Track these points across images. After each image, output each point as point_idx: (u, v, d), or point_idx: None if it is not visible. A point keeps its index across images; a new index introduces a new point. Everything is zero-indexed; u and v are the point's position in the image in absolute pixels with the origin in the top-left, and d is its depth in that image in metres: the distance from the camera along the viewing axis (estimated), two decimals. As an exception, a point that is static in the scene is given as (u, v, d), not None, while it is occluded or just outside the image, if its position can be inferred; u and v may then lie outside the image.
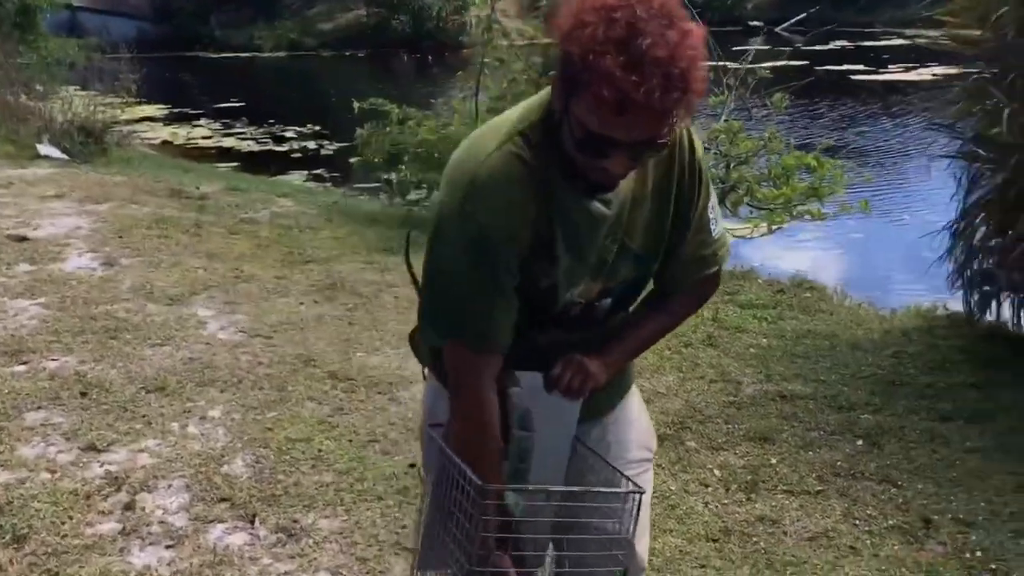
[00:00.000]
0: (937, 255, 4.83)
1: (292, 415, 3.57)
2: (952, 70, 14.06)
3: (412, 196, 7.47)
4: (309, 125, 13.97)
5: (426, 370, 1.80)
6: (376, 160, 7.48)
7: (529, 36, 7.23)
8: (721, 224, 1.64)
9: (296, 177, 10.99)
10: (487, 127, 1.50)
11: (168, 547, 2.72)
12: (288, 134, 13.65)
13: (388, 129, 7.25)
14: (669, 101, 1.26)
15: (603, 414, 1.69)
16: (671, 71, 1.25)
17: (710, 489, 3.18)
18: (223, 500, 2.97)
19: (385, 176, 7.46)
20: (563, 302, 1.55)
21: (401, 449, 3.36)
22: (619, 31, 1.26)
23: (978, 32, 4.31)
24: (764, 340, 4.65)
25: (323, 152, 12.58)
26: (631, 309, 1.68)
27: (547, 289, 1.52)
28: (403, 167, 7.08)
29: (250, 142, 13.37)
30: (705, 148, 6.72)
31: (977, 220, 4.43)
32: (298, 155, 12.53)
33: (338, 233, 6.67)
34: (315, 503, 2.98)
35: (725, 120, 7.01)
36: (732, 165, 6.65)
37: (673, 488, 3.17)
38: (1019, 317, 4.64)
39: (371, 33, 24.74)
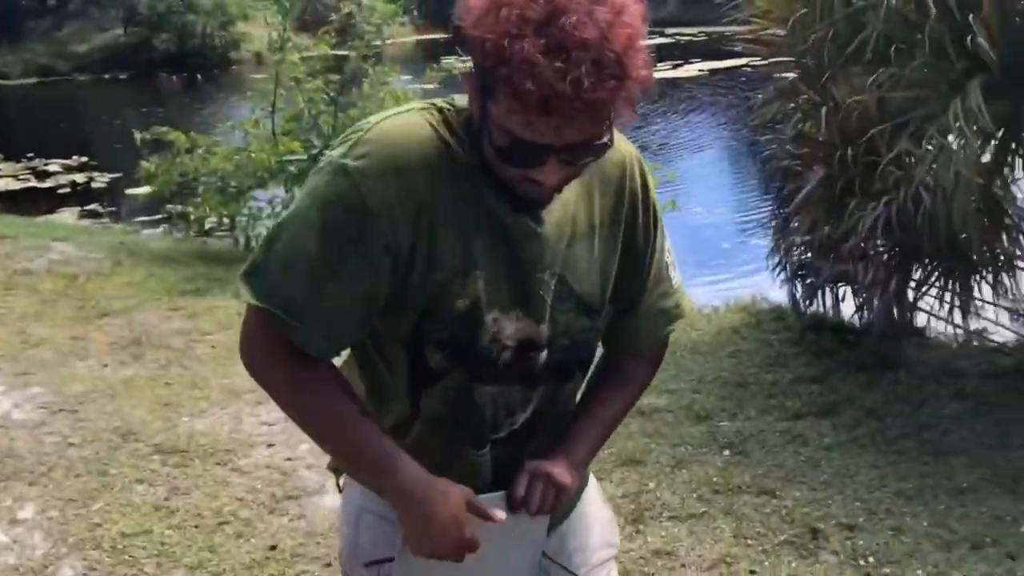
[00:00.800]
0: (741, 248, 4.96)
1: (121, 504, 3.13)
2: (717, 64, 14.88)
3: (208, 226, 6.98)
4: (74, 156, 12.88)
5: (341, 481, 1.46)
6: (166, 193, 6.91)
7: (322, 54, 6.87)
8: (678, 271, 1.42)
9: (68, 215, 10.07)
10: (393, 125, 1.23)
11: None
12: (52, 168, 12.52)
13: (177, 159, 6.69)
14: (603, 91, 1.04)
15: (561, 521, 1.42)
16: (603, 55, 1.03)
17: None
18: (56, 624, 2.52)
19: (178, 209, 6.90)
20: (489, 333, 1.24)
21: (256, 529, 3.00)
22: (538, 10, 1.04)
23: (783, 33, 4.42)
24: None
25: (95, 185, 11.63)
26: (579, 388, 1.41)
27: (467, 312, 1.22)
28: (199, 199, 6.56)
29: (7, 179, 12.15)
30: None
31: (797, 215, 4.55)
32: (66, 190, 11.51)
33: (132, 278, 6.08)
34: (169, 610, 2.59)
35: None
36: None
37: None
38: (838, 307, 4.82)
39: (131, 53, 23.27)
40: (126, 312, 5.26)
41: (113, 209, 10.16)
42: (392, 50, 7.81)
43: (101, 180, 11.62)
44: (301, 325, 1.18)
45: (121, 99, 20.59)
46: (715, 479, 3.32)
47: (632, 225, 1.32)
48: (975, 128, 3.45)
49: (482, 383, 1.27)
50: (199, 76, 21.69)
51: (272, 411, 3.90)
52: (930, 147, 3.80)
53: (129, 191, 9.81)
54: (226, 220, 6.75)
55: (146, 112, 16.12)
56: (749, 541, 2.93)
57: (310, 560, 2.83)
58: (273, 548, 2.87)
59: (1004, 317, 4.40)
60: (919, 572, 2.75)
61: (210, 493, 3.21)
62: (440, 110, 1.22)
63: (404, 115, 1.22)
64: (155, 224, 8.60)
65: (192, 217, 6.58)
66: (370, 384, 1.33)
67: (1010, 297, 4.21)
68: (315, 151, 6.99)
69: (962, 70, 3.49)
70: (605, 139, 1.12)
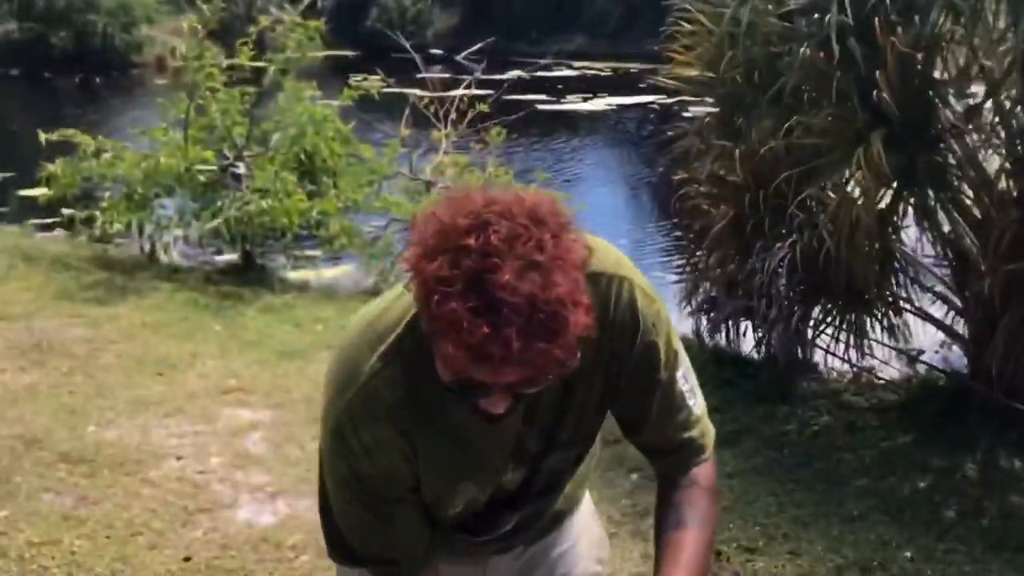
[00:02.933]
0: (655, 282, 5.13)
1: (28, 512, 3.05)
2: (624, 100, 15.25)
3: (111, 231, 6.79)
4: (-39, 156, 12.31)
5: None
6: (67, 196, 6.71)
7: (240, 64, 6.81)
8: (701, 401, 1.39)
9: (-50, 217, 9.62)
10: (360, 331, 1.24)
11: None
12: (-64, 165, 11.94)
13: (84, 163, 6.52)
14: (533, 352, 1.00)
15: (545, 535, 1.49)
16: (534, 316, 0.99)
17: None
18: (-39, 634, 2.45)
19: (82, 214, 6.71)
20: (487, 524, 1.38)
21: (169, 540, 2.97)
22: (468, 265, 1.00)
23: (699, 73, 4.61)
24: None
25: (-15, 184, 11.14)
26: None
27: (464, 510, 1.33)
28: (105, 206, 6.40)
29: None
30: (432, 182, 6.66)
31: (706, 252, 4.74)
32: (-47, 189, 11.00)
33: (30, 283, 5.89)
34: (81, 621, 2.55)
35: (446, 153, 7.04)
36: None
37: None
38: (738, 340, 5.03)
39: (25, 49, 22.41)
40: (25, 317, 5.10)
41: (5, 210, 9.76)
42: (300, 64, 7.79)
43: (-10, 179, 11.15)
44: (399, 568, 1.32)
45: (12, 97, 19.81)
46: (623, 501, 3.44)
47: (625, 360, 1.29)
48: (874, 177, 3.68)
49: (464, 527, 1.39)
50: (98, 79, 21.05)
51: (182, 424, 3.86)
52: (831, 194, 4.03)
53: (23, 192, 9.46)
54: (132, 227, 6.58)
55: (39, 112, 15.58)
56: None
57: (225, 572, 2.82)
58: (187, 560, 2.85)
59: (892, 357, 4.68)
60: (814, 594, 2.92)
61: (121, 504, 3.16)
62: (392, 347, 1.20)
63: (362, 391, 1.20)
64: (50, 228, 8.33)
65: (99, 222, 6.40)
66: None
67: (897, 338, 4.49)
68: (226, 162, 6.92)
69: (864, 122, 3.72)
70: (545, 381, 1.09)
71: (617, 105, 15.14)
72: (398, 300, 1.22)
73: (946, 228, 4.29)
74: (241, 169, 6.93)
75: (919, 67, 3.74)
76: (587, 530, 1.58)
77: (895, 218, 4.26)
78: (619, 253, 1.27)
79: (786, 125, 3.90)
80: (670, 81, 4.76)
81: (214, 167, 6.77)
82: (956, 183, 4.15)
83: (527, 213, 1.03)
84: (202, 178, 6.72)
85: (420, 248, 1.04)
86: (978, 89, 4.06)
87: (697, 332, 5.07)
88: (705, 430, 1.40)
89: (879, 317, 4.38)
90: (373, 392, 1.19)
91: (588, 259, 1.08)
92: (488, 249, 1.00)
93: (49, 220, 8.19)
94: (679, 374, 1.34)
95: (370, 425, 1.20)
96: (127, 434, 3.71)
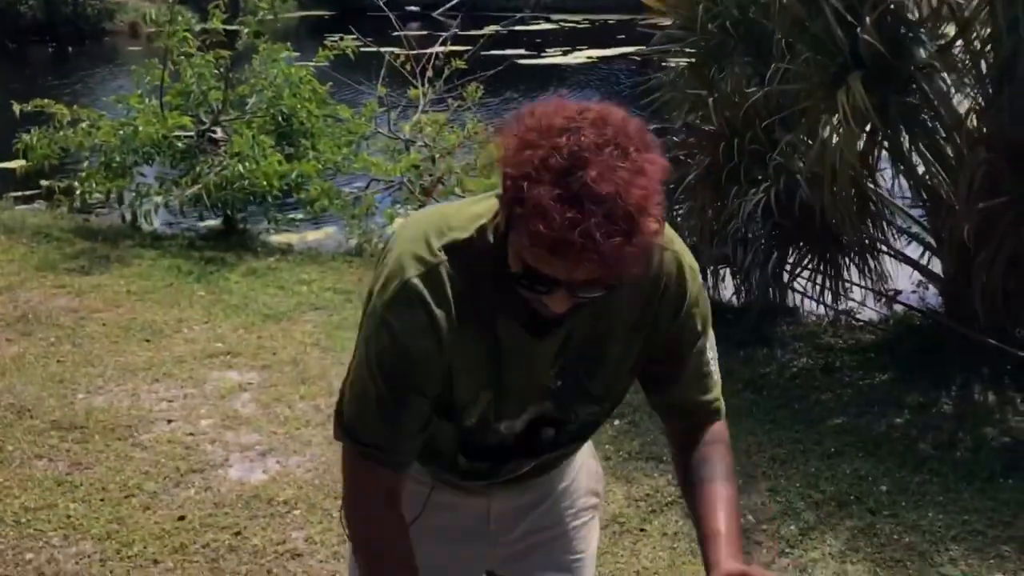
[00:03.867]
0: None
1: (22, 478, 3.11)
2: (604, 52, 15.15)
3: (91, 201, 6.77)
4: (-65, 127, 12.18)
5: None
6: (46, 167, 6.68)
7: (214, 28, 6.75)
8: (717, 370, 1.47)
9: (-73, 188, 9.55)
10: (435, 218, 1.32)
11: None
12: (-91, 138, 11.82)
13: (60, 132, 6.48)
14: (610, 246, 1.08)
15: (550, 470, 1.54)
16: (615, 211, 1.07)
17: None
18: (-37, 597, 2.52)
19: (59, 184, 6.68)
20: (498, 436, 1.41)
21: (163, 501, 3.03)
22: (560, 159, 1.08)
23: (674, 22, 4.63)
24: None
25: (-41, 158, 11.04)
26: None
27: (476, 424, 1.38)
28: (84, 175, 6.38)
29: None
30: (411, 141, 6.66)
31: (683, 201, 4.79)
32: (-75, 162, 10.90)
33: (12, 255, 5.87)
34: (80, 580, 2.61)
35: (424, 111, 7.03)
36: (437, 157, 6.70)
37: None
38: (718, 287, 5.09)
39: (-5, 19, 22.03)
40: (8, 289, 5.11)
41: (-22, 182, 9.70)
42: (276, 26, 7.74)
43: (-34, 153, 11.06)
44: (385, 455, 1.33)
45: (-17, 67, 19.53)
46: (607, 446, 3.51)
47: (668, 328, 1.37)
48: (854, 120, 3.71)
49: (483, 460, 1.44)
50: (70, 48, 20.75)
51: (171, 388, 3.91)
52: (807, 139, 4.07)
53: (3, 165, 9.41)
54: (112, 196, 6.56)
55: (11, 83, 15.38)
56: (639, 503, 3.14)
57: (219, 529, 2.88)
58: (182, 519, 2.91)
59: (869, 298, 4.76)
60: (792, 528, 3.01)
61: (113, 467, 3.22)
62: (462, 245, 1.27)
63: (425, 274, 1.27)
64: (28, 200, 8.29)
65: (77, 192, 6.38)
66: None
67: (873, 279, 4.56)
68: (204, 127, 6.89)
69: (841, 65, 3.75)
70: (614, 283, 1.16)
71: (597, 58, 15.06)
72: (476, 204, 1.31)
73: (920, 170, 4.35)
74: (219, 134, 6.91)
75: (891, 6, 3.76)
76: (584, 464, 1.64)
77: (870, 160, 4.32)
78: (671, 230, 1.33)
79: (762, 73, 3.93)
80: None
81: (192, 133, 6.74)
82: (929, 124, 4.20)
83: (616, 125, 1.12)
84: (180, 144, 6.69)
85: (514, 141, 1.12)
86: (951, 30, 4.09)
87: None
88: (721, 396, 1.50)
89: (855, 259, 4.44)
90: (436, 277, 1.26)
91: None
92: (578, 150, 1.08)
93: (28, 192, 8.16)
94: (709, 343, 1.44)
95: (422, 307, 1.26)
96: (117, 400, 3.76)
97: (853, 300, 4.77)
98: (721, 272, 4.98)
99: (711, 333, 1.45)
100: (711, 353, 1.45)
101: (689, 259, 1.36)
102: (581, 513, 1.62)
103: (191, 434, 3.50)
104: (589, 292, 1.17)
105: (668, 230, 1.31)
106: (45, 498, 2.99)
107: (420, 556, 1.43)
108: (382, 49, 7.56)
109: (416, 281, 1.26)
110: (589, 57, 15.18)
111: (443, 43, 7.42)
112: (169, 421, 3.60)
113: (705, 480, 1.40)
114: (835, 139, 3.94)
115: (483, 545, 1.58)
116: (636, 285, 1.29)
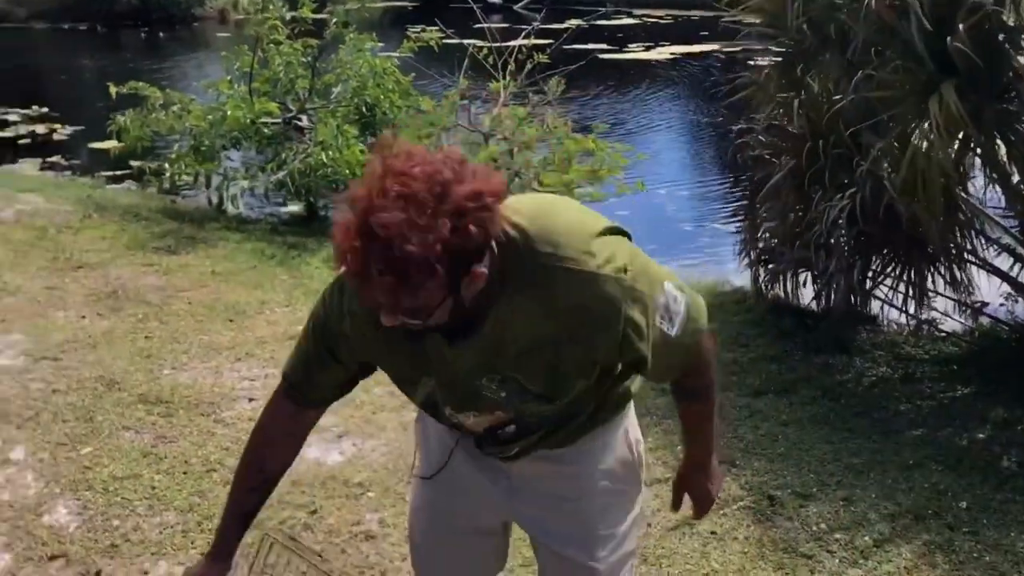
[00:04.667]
0: (701, 231, 5.08)
1: (110, 448, 3.22)
2: (687, 48, 15.00)
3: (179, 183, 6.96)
4: (34, 107, 12.62)
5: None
6: (137, 148, 6.89)
7: (303, 16, 6.89)
8: (683, 309, 1.49)
9: (28, 166, 9.91)
10: None
11: (0, 623, 2.37)
12: (11, 117, 12.28)
13: (153, 115, 6.68)
14: (381, 282, 1.23)
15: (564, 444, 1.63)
16: (390, 254, 1.20)
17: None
18: (55, 557, 2.62)
19: (149, 166, 6.89)
20: (450, 420, 1.57)
21: (243, 476, 3.11)
22: (370, 196, 1.22)
23: (762, 21, 4.56)
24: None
25: (56, 137, 11.43)
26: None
27: (426, 400, 1.56)
28: (174, 157, 6.57)
29: (-37, 127, 11.90)
30: (490, 134, 6.69)
31: (766, 203, 4.73)
32: (26, 141, 11.31)
33: (104, 232, 6.08)
34: (163, 549, 2.70)
35: (505, 104, 7.05)
36: (515, 151, 6.72)
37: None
38: (797, 291, 5.02)
39: (92, 4, 22.74)
40: (100, 266, 5.29)
41: (76, 162, 10.03)
42: (364, 15, 7.84)
43: (63, 132, 11.44)
44: (292, 388, 1.62)
45: (80, 50, 20.18)
46: (679, 448, 3.49)
47: (614, 348, 1.43)
48: (946, 128, 3.62)
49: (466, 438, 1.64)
50: (161, 34, 21.33)
51: (252, 367, 4.01)
52: (896, 144, 3.99)
53: (93, 145, 9.72)
54: (200, 179, 6.75)
55: (107, 66, 15.88)
56: (711, 505, 3.11)
57: (296, 507, 2.95)
58: (260, 495, 2.98)
59: (953, 309, 4.64)
60: (866, 539, 2.96)
61: (196, 442, 3.32)
62: None
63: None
64: (120, 180, 8.55)
65: (167, 174, 6.57)
66: None
67: (959, 290, 4.45)
68: (290, 114, 7.03)
69: (931, 73, 3.66)
70: (419, 312, 1.28)
71: (680, 54, 14.91)
72: None
73: (1016, 179, 4.22)
74: (304, 122, 7.04)
75: (988, 13, 3.66)
76: (615, 451, 1.68)
77: (961, 168, 4.21)
78: (600, 232, 1.41)
79: (849, 77, 3.85)
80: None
81: (278, 120, 6.89)
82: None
83: (436, 183, 1.22)
84: (267, 131, 6.84)
85: (361, 183, 1.26)
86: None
87: (755, 283, 5.08)
88: (692, 328, 1.51)
89: (941, 269, 4.34)
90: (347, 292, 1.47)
91: (553, 248, 1.34)
92: (387, 193, 1.21)
93: (120, 172, 8.43)
94: (658, 319, 1.46)
95: (346, 309, 1.47)
96: (200, 377, 3.87)
97: (936, 310, 4.66)
98: (801, 276, 4.91)
99: (659, 303, 1.46)
100: (664, 324, 1.47)
101: (623, 274, 1.39)
102: (604, 493, 1.66)
103: (271, 414, 3.58)
104: (410, 318, 1.29)
105: (604, 270, 1.37)
106: (132, 468, 3.10)
107: (444, 505, 1.72)
108: (464, 41, 7.60)
109: (342, 283, 1.46)
110: (672, 53, 15.04)
111: (526, 36, 7.42)
112: (250, 399, 3.69)
113: (679, 402, 1.67)
114: (925, 146, 3.86)
115: (504, 497, 1.68)
116: (534, 309, 1.37)
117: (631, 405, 1.72)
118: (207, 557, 1.63)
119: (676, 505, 1.81)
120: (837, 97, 4.01)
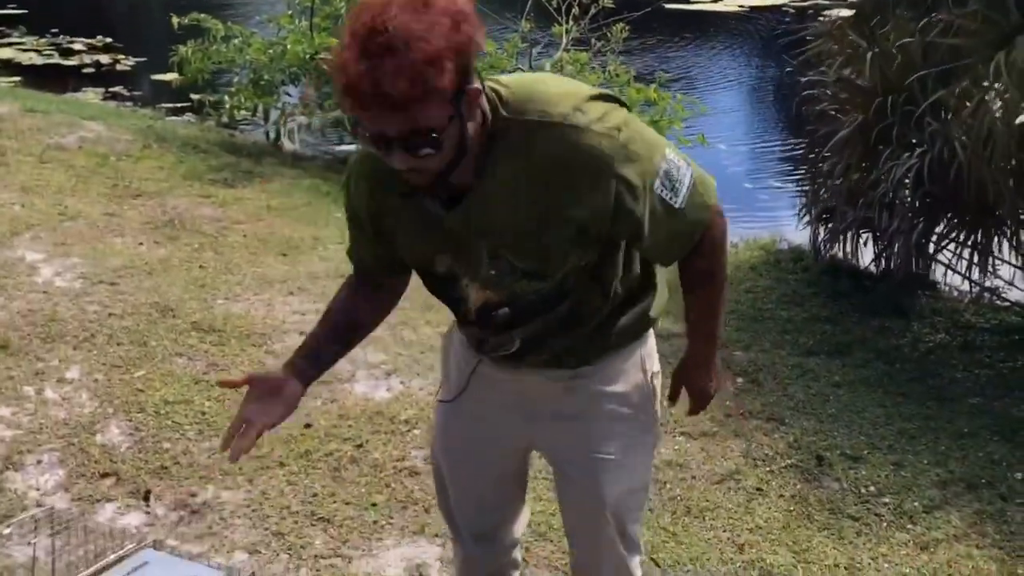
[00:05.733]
0: (761, 188, 4.95)
1: (163, 373, 3.27)
2: (757, 1, 14.62)
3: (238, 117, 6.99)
4: (99, 37, 12.74)
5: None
6: (198, 80, 6.92)
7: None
8: (687, 180, 1.46)
9: (91, 95, 10.03)
10: None
11: (52, 534, 2.43)
12: (76, 46, 12.40)
13: (214, 47, 6.69)
14: (398, 92, 1.22)
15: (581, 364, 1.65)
16: (402, 61, 1.21)
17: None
18: (106, 475, 2.68)
19: (209, 98, 6.91)
20: (462, 293, 1.56)
21: (292, 407, 3.14)
22: (363, 28, 1.24)
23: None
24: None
25: (119, 67, 11.54)
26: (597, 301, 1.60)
27: (447, 273, 1.54)
28: (233, 90, 6.59)
29: (32, 54, 12.06)
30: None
31: (829, 159, 4.61)
32: (90, 70, 11.42)
33: (163, 162, 6.14)
34: (211, 474, 2.75)
35: (567, 50, 6.95)
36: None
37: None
38: (857, 252, 4.91)
39: (156, -65, 22.81)
40: (158, 195, 5.35)
41: (138, 93, 10.13)
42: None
43: (126, 63, 11.54)
44: (352, 259, 1.68)
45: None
46: (727, 403, 3.46)
47: (605, 210, 1.41)
48: (1016, 85, 3.49)
49: (464, 325, 1.65)
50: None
51: (304, 301, 4.04)
52: (967, 102, 3.85)
53: (155, 76, 9.79)
54: (258, 114, 6.77)
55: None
56: (757, 462, 3.09)
57: (342, 440, 2.98)
58: (308, 427, 3.02)
59: (1019, 277, 4.50)
60: (915, 504, 2.91)
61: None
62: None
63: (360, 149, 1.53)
64: (180, 112, 8.62)
65: (227, 107, 6.59)
66: None
67: (1026, 258, 4.31)
68: (350, 52, 6.98)
69: (1015, 24, 3.51)
70: (425, 132, 1.27)
71: (749, 7, 14.52)
72: None
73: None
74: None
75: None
76: (630, 376, 1.67)
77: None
78: (576, 94, 1.41)
79: (924, 31, 3.71)
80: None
81: (337, 57, 6.85)
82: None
83: (416, 3, 1.25)
84: (326, 67, 6.81)
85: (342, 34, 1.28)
86: None
87: (814, 241, 4.98)
88: (699, 202, 1.48)
89: (1008, 235, 4.21)
90: (362, 162, 1.52)
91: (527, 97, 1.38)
92: (381, 12, 1.23)
93: (179, 104, 8.49)
94: (658, 179, 1.43)
95: (360, 177, 1.53)
96: (253, 308, 3.91)
97: (1001, 278, 4.53)
98: (862, 237, 4.80)
99: (660, 167, 1.43)
100: (665, 191, 1.44)
101: (602, 124, 1.37)
102: (612, 418, 1.66)
103: (320, 348, 3.60)
104: (416, 148, 1.29)
105: (592, 114, 1.37)
106: (183, 394, 3.15)
107: (463, 430, 1.76)
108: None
109: (358, 158, 1.54)
110: (741, 5, 14.64)
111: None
112: (301, 333, 3.71)
113: (687, 294, 1.62)
114: (999, 104, 3.72)
115: (520, 420, 1.70)
116: (522, 169, 1.38)
117: (650, 335, 1.71)
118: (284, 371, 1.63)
119: (673, 398, 1.77)
120: (906, 41, 3.85)
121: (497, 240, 1.45)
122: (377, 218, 1.53)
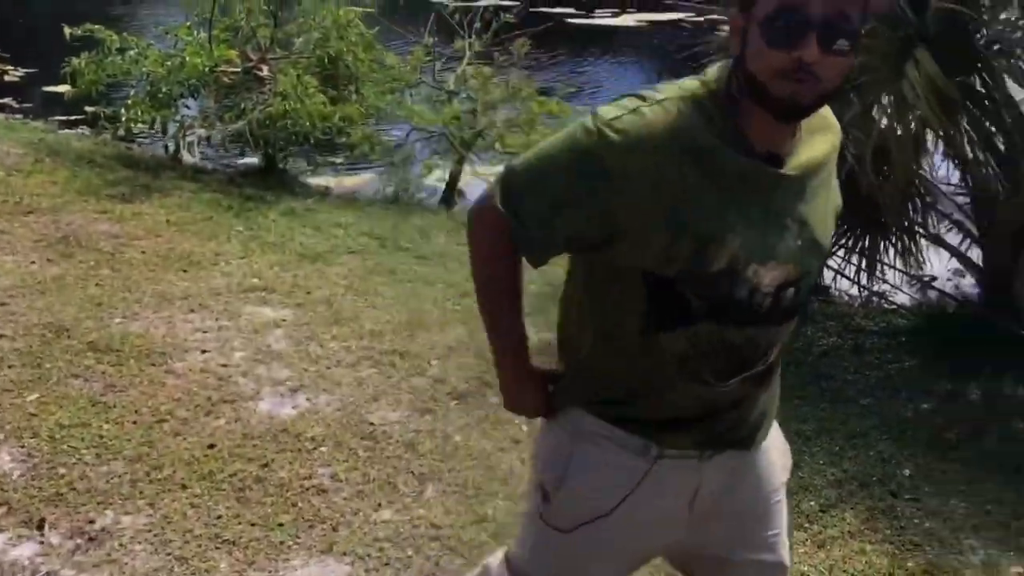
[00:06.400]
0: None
1: (58, 396, 3.17)
2: (655, 16, 14.96)
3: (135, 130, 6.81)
4: (-15, 47, 12.28)
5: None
6: (92, 93, 6.72)
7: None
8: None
9: (-23, 108, 9.66)
10: (659, 87, 1.35)
11: (-61, 568, 2.33)
12: (-38, 57, 11.93)
13: (109, 59, 6.51)
14: None
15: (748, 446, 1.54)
16: None
17: (521, 445, 3.22)
18: (-3, 505, 2.58)
19: (104, 111, 6.72)
20: (749, 284, 1.34)
21: (193, 428, 3.08)
22: None
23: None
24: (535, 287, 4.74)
25: (8, 79, 11.14)
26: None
27: (725, 270, 1.32)
28: (130, 103, 6.42)
29: (-90, 68, 11.54)
30: (455, 92, 6.64)
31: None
32: (-24, 82, 11.01)
33: (56, 177, 5.93)
34: (110, 498, 2.67)
35: (469, 63, 6.99)
36: (479, 110, 6.67)
37: (487, 448, 3.17)
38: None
39: (46, -58, 22.07)
40: (52, 211, 5.17)
41: (28, 105, 9.79)
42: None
43: (15, 74, 11.15)
44: (528, 236, 1.38)
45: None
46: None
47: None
48: (925, 95, 3.63)
49: (740, 326, 1.38)
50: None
51: (206, 319, 3.96)
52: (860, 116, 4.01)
53: (47, 88, 9.47)
54: (156, 127, 6.60)
55: (62, 7, 15.44)
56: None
57: (247, 460, 2.93)
58: (211, 447, 2.97)
59: (905, 282, 4.72)
60: (812, 503, 3.02)
61: (146, 392, 3.27)
62: (703, 94, 1.31)
63: (672, 101, 1.30)
64: (73, 125, 8.36)
65: (123, 120, 6.42)
66: (597, 324, 1.48)
67: (910, 264, 4.52)
68: (250, 64, 6.90)
69: (907, 37, 3.67)
70: (856, 18, 1.23)
71: (648, 21, 14.84)
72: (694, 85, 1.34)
73: (971, 156, 4.27)
74: (264, 72, 6.91)
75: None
76: (775, 439, 1.61)
77: (919, 143, 4.25)
78: None
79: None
80: None
81: (238, 69, 6.75)
82: (989, 106, 4.12)
83: None
84: (226, 79, 6.71)
85: None
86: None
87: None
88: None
89: (895, 242, 4.40)
90: (665, 111, 1.29)
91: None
92: None
93: (73, 117, 8.23)
94: None
95: (667, 152, 1.29)
96: (152, 327, 3.81)
97: (888, 283, 4.73)
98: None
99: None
100: None
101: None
102: (778, 489, 1.60)
103: (224, 365, 3.55)
104: (835, 38, 1.21)
105: None
106: (80, 417, 3.05)
107: (616, 538, 1.49)
108: (431, -3, 7.51)
109: (662, 107, 1.29)
110: (639, 21, 14.97)
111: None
112: (203, 351, 3.65)
113: None
114: (884, 120, 3.88)
115: (678, 532, 1.54)
116: (827, 135, 1.41)
117: None
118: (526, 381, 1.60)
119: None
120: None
121: (811, 202, 1.38)
122: (665, 198, 1.29)
